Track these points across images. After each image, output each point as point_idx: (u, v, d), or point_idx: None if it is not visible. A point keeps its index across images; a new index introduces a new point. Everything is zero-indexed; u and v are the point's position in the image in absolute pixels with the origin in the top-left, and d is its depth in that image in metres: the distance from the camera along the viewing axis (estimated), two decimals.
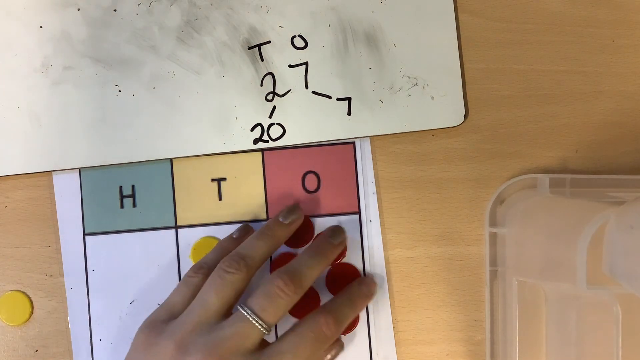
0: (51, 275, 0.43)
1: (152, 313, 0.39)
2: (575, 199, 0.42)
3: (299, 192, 0.43)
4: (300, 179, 0.43)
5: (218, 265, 0.38)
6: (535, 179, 0.43)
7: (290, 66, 0.43)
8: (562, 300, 0.40)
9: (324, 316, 0.38)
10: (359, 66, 0.43)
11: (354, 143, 0.43)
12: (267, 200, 0.43)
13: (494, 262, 0.43)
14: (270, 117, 0.43)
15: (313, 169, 0.43)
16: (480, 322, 0.44)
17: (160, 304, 0.39)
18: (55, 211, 0.43)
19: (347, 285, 0.42)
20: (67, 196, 0.43)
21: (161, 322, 0.38)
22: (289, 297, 0.37)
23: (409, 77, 0.43)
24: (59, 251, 0.43)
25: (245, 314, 0.36)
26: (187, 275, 0.39)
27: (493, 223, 0.43)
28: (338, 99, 0.43)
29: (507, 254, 0.42)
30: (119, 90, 0.42)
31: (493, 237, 0.43)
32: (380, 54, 0.43)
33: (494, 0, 0.44)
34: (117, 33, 0.42)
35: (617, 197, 0.41)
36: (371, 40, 0.43)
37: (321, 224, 0.43)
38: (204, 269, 0.39)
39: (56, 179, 0.43)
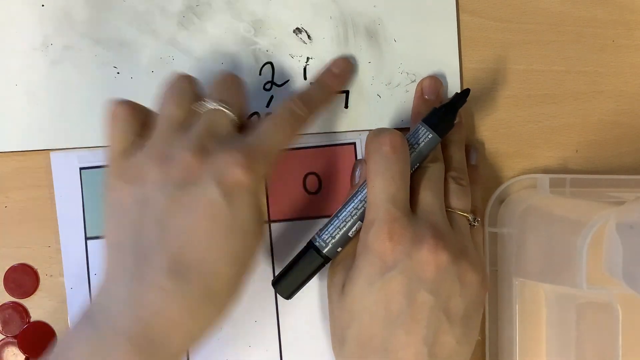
0: (51, 275, 0.43)
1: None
2: (575, 199, 0.42)
3: (300, 193, 0.43)
4: (301, 180, 0.43)
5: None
6: (535, 179, 0.43)
7: (290, 56, 0.43)
8: (562, 300, 0.40)
9: (290, 99, 0.38)
10: (358, 60, 0.43)
11: (354, 144, 0.43)
12: (269, 202, 0.43)
13: (494, 262, 0.43)
14: (267, 106, 0.43)
15: (314, 170, 0.43)
16: (480, 322, 0.44)
17: None
18: (55, 211, 0.43)
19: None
20: (67, 197, 0.42)
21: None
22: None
23: (407, 73, 0.43)
24: (59, 251, 0.43)
25: (209, 104, 0.36)
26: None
27: (493, 223, 0.43)
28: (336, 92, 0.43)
29: (507, 254, 0.42)
30: (118, 73, 0.42)
31: (493, 237, 0.43)
32: (380, 48, 0.43)
33: (494, 0, 0.44)
34: (119, 15, 0.42)
35: (617, 197, 0.41)
36: (372, 35, 0.43)
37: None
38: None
39: (56, 179, 0.43)
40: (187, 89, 0.37)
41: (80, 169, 0.43)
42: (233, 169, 0.34)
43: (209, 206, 0.34)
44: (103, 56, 0.42)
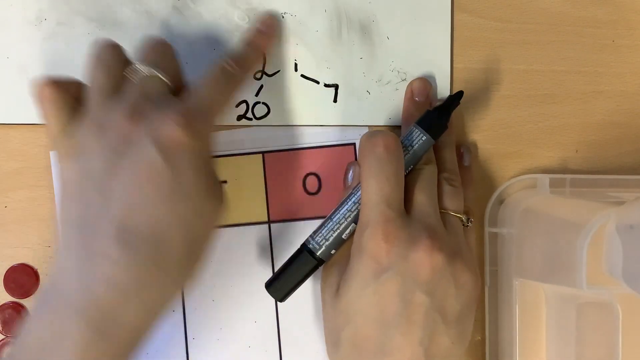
0: None
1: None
2: (575, 199, 0.42)
3: (300, 194, 0.43)
4: (301, 181, 0.43)
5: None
6: (535, 179, 0.43)
7: (282, 46, 0.43)
8: (562, 300, 0.40)
9: (221, 59, 0.38)
10: (350, 55, 0.43)
11: (354, 144, 0.43)
12: (269, 202, 0.43)
13: (494, 262, 0.43)
14: (256, 95, 0.43)
15: (314, 171, 0.43)
16: (480, 322, 0.44)
17: None
18: (55, 211, 0.43)
19: None
20: None
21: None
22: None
23: (398, 72, 0.43)
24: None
25: (139, 69, 0.36)
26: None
27: (493, 223, 0.43)
28: (326, 85, 0.43)
29: (507, 254, 0.42)
30: None
31: (493, 237, 0.43)
32: (372, 45, 0.43)
33: (493, 0, 0.44)
34: None
35: (617, 197, 0.41)
36: (365, 31, 0.43)
37: None
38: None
39: (56, 179, 0.43)
40: (114, 56, 0.37)
41: None
42: (170, 127, 0.34)
43: (148, 168, 0.33)
44: (96, 34, 0.42)
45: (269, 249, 0.43)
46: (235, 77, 0.38)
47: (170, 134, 0.34)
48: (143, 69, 0.36)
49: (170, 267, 0.34)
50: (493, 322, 0.43)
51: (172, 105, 0.35)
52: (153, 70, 0.36)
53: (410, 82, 0.43)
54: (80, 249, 0.33)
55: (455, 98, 0.40)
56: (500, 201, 0.44)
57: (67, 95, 0.36)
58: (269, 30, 0.42)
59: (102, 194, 0.33)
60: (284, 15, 0.43)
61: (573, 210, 0.39)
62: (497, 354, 0.43)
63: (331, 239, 0.38)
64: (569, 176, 0.43)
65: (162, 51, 0.38)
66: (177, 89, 0.38)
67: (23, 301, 0.43)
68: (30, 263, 0.43)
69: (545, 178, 0.42)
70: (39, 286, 0.34)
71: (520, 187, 0.44)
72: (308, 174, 0.43)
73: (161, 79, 0.36)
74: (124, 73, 0.36)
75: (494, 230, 0.43)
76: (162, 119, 0.34)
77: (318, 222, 0.39)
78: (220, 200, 0.36)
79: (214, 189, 0.36)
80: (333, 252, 0.39)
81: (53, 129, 0.36)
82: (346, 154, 0.43)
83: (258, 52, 0.41)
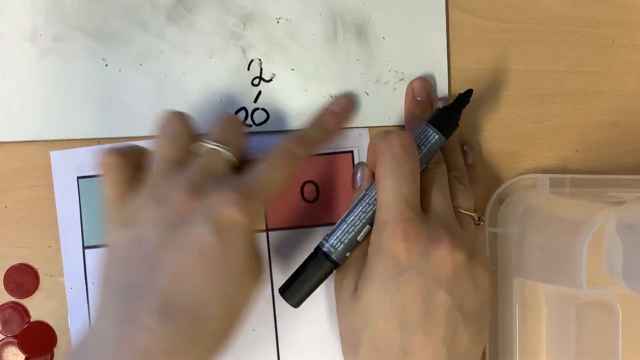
0: (51, 275, 0.43)
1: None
2: (575, 199, 0.42)
3: (298, 202, 0.43)
4: (299, 189, 0.43)
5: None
6: (535, 179, 0.43)
7: (278, 52, 0.43)
8: (562, 300, 0.40)
9: (289, 139, 0.38)
10: (347, 57, 0.43)
11: (352, 152, 0.43)
12: (267, 210, 0.43)
13: (494, 262, 0.43)
14: (255, 101, 0.43)
15: (311, 179, 0.43)
16: None
17: None
18: (55, 211, 0.43)
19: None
20: (67, 196, 0.42)
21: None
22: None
23: (395, 72, 0.43)
24: (59, 251, 0.43)
25: (206, 145, 0.37)
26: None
27: (493, 223, 0.43)
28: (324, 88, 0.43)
29: (507, 254, 0.42)
30: (106, 65, 0.42)
31: (493, 237, 0.43)
32: (369, 46, 0.43)
33: (494, 0, 0.44)
34: (109, 7, 0.42)
35: (617, 197, 0.41)
36: (361, 32, 0.43)
37: (321, 233, 0.43)
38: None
39: (56, 179, 0.43)
40: (181, 128, 0.37)
41: (78, 178, 0.42)
42: (227, 207, 0.34)
43: (200, 245, 0.33)
44: (92, 48, 0.42)
45: (267, 257, 0.43)
46: (298, 158, 0.38)
47: (225, 214, 0.34)
48: (209, 145, 0.37)
49: (206, 341, 0.34)
50: (493, 322, 0.43)
51: (231, 184, 0.35)
52: (216, 145, 0.36)
53: (410, 82, 0.43)
54: (119, 316, 0.33)
55: (465, 96, 0.40)
56: (500, 201, 0.44)
57: (129, 164, 0.37)
58: (341, 113, 0.42)
59: (151, 265, 0.34)
60: (279, 20, 0.43)
61: (573, 210, 0.39)
62: (497, 354, 0.43)
63: (346, 241, 0.38)
64: (569, 176, 0.43)
65: (228, 125, 0.38)
66: (240, 163, 0.38)
67: (23, 301, 0.43)
68: (30, 263, 0.43)
69: (545, 178, 0.42)
70: (71, 345, 0.33)
71: (520, 187, 0.44)
72: (306, 182, 0.43)
73: (224, 153, 0.37)
74: (189, 149, 0.37)
75: (494, 230, 0.43)
76: (220, 197, 0.34)
77: (316, 230, 0.39)
78: (261, 276, 0.36)
79: (257, 266, 0.36)
80: (348, 254, 0.38)
81: (111, 195, 0.36)
82: (344, 162, 0.43)
83: (326, 135, 0.41)
